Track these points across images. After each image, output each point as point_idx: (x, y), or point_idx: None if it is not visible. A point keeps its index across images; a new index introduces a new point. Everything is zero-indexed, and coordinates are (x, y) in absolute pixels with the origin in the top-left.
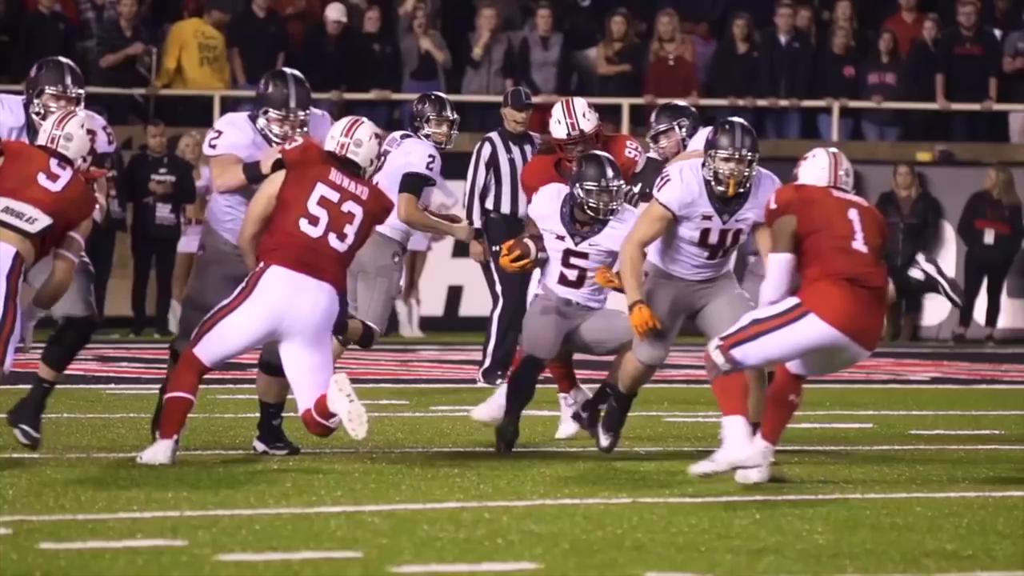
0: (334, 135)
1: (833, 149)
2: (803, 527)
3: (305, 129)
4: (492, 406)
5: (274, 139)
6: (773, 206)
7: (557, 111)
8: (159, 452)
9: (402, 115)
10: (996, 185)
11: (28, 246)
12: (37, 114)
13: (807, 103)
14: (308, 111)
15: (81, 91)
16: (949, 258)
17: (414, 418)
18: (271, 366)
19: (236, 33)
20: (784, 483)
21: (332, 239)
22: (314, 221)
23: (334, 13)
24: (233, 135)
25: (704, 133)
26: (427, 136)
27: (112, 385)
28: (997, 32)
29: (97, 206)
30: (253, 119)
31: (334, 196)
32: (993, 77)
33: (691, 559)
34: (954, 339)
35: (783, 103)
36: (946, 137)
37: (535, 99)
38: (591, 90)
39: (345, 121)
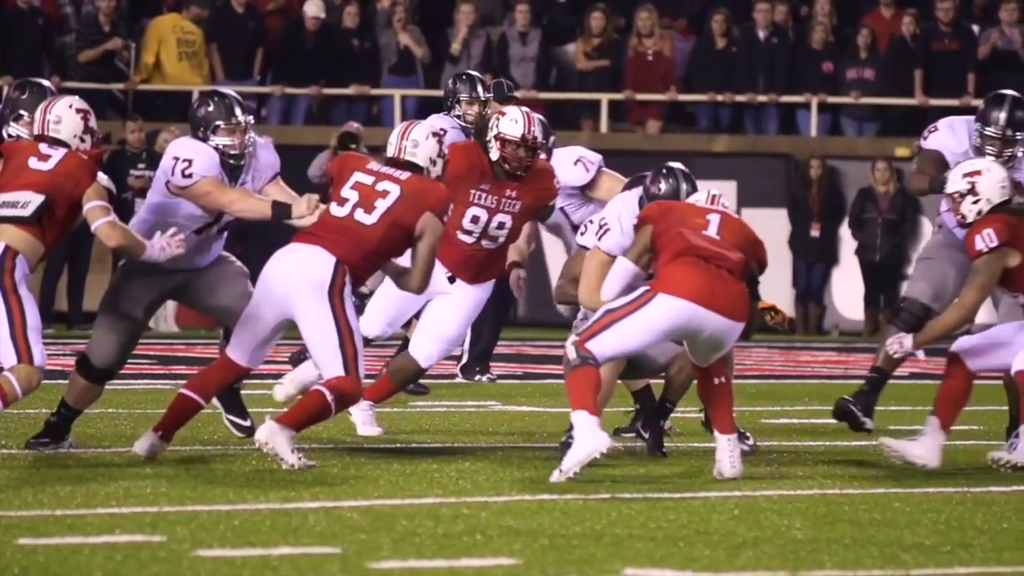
0: (392, 141)
1: (715, 191)
2: (782, 522)
3: (252, 136)
4: (291, 384)
5: (230, 155)
6: (634, 220)
7: (515, 112)
8: (138, 443)
9: (380, 110)
10: None
11: (26, 235)
12: (11, 136)
13: (786, 98)
14: (250, 115)
15: None
16: None
17: (392, 413)
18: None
19: (215, 28)
20: (762, 478)
21: (358, 214)
22: (342, 203)
23: (313, 8)
24: (203, 159)
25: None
26: (458, 116)
27: None
28: (975, 27)
29: (106, 178)
30: (202, 138)
31: (368, 179)
32: (971, 72)
33: (670, 554)
34: None
35: (762, 98)
36: None
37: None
38: (569, 86)
39: (401, 126)
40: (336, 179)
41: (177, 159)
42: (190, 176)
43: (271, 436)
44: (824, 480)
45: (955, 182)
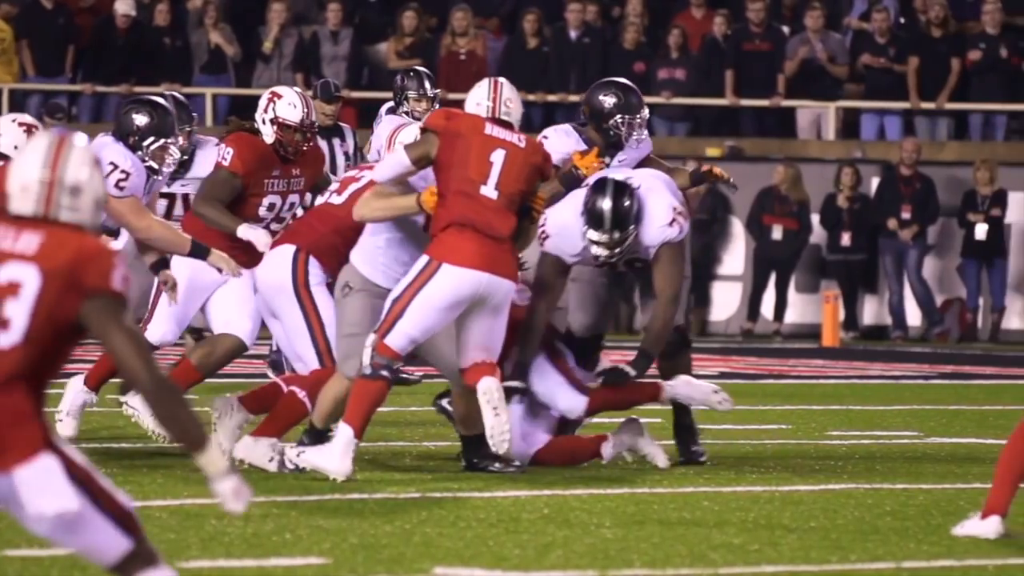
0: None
1: (502, 79)
2: (591, 521)
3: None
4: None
5: (162, 168)
6: (422, 124)
7: (292, 96)
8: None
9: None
10: (784, 181)
11: None
12: None
13: None
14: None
15: None
16: (737, 253)
17: (201, 412)
18: None
19: (24, 25)
20: (572, 478)
21: (332, 198)
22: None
23: (123, 6)
24: (138, 176)
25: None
26: (407, 112)
27: None
28: (785, 29)
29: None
30: (131, 146)
31: (353, 173)
32: (781, 73)
33: (479, 553)
34: (742, 334)
35: (573, 98)
36: (735, 132)
37: None
38: (381, 85)
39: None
40: None
41: (115, 167)
42: (122, 189)
43: (247, 452)
44: (633, 479)
45: None
